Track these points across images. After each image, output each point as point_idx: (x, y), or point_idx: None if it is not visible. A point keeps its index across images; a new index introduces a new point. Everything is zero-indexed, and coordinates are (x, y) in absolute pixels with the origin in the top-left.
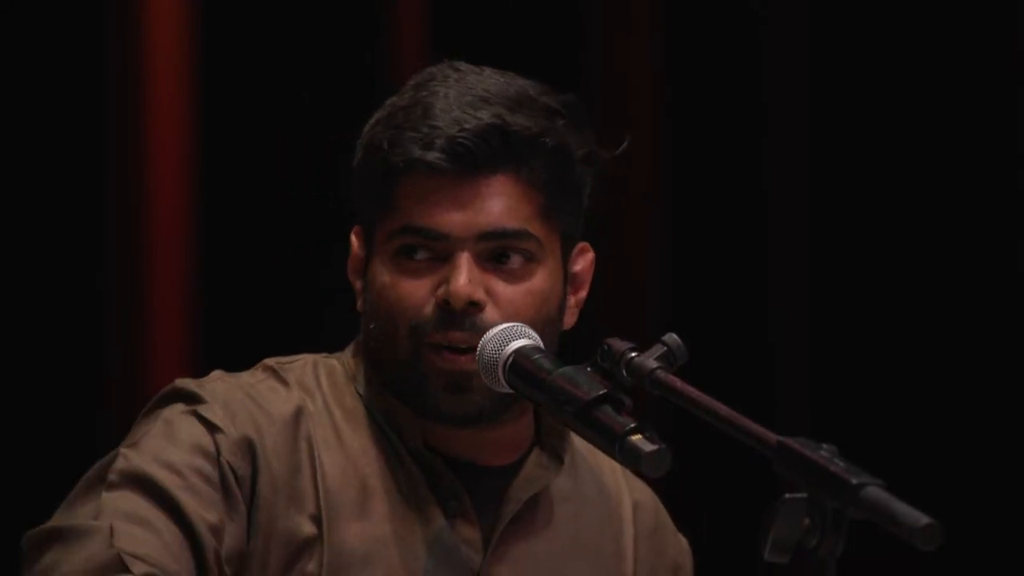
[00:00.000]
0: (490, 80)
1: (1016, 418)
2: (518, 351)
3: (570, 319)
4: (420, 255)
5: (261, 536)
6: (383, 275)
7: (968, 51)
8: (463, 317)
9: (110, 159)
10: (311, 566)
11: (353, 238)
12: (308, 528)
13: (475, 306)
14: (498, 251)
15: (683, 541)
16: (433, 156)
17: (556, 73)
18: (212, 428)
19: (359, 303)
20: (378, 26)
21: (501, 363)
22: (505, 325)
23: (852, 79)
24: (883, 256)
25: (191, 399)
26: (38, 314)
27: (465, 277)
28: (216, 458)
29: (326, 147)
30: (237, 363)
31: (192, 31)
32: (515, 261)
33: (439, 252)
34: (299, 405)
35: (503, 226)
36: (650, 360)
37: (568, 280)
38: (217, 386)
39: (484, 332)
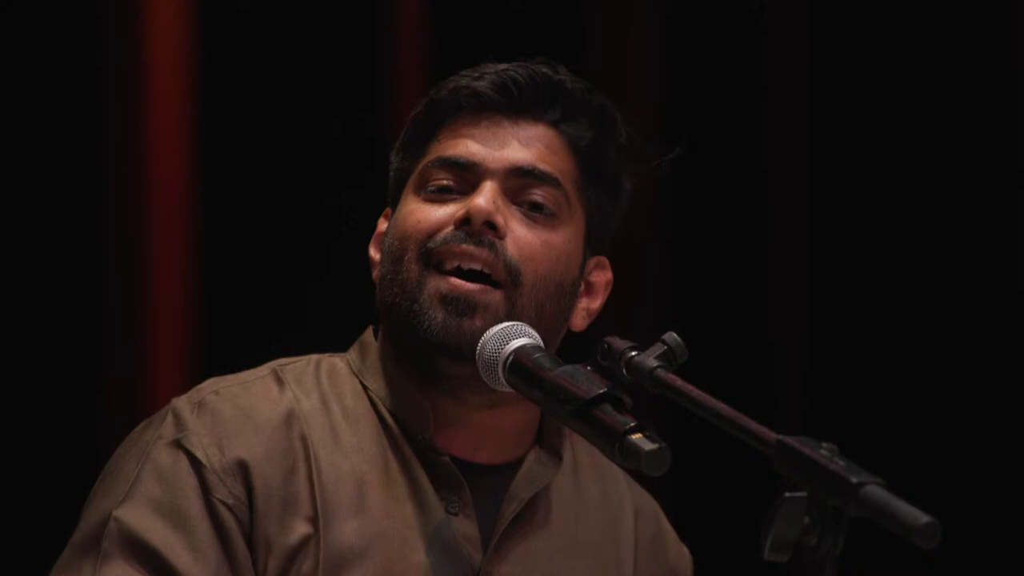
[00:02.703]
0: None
1: (1016, 418)
2: (518, 350)
3: (580, 322)
4: (449, 192)
5: (261, 548)
6: (408, 205)
7: (968, 51)
8: (478, 237)
9: (110, 159)
10: (307, 566)
11: (381, 219)
12: (304, 529)
13: (493, 230)
14: (524, 191)
15: (685, 551)
16: (481, 85)
17: None
18: (199, 464)
19: (375, 272)
20: (378, 26)
21: (501, 362)
22: (505, 324)
23: (852, 79)
24: (883, 256)
25: (179, 426)
26: (38, 314)
27: (488, 197)
28: (206, 497)
29: (326, 147)
30: (237, 363)
31: (192, 30)
32: (539, 209)
33: (467, 184)
34: (290, 407)
35: (535, 165)
36: (650, 359)
37: (584, 278)
38: (208, 400)
39: (501, 258)
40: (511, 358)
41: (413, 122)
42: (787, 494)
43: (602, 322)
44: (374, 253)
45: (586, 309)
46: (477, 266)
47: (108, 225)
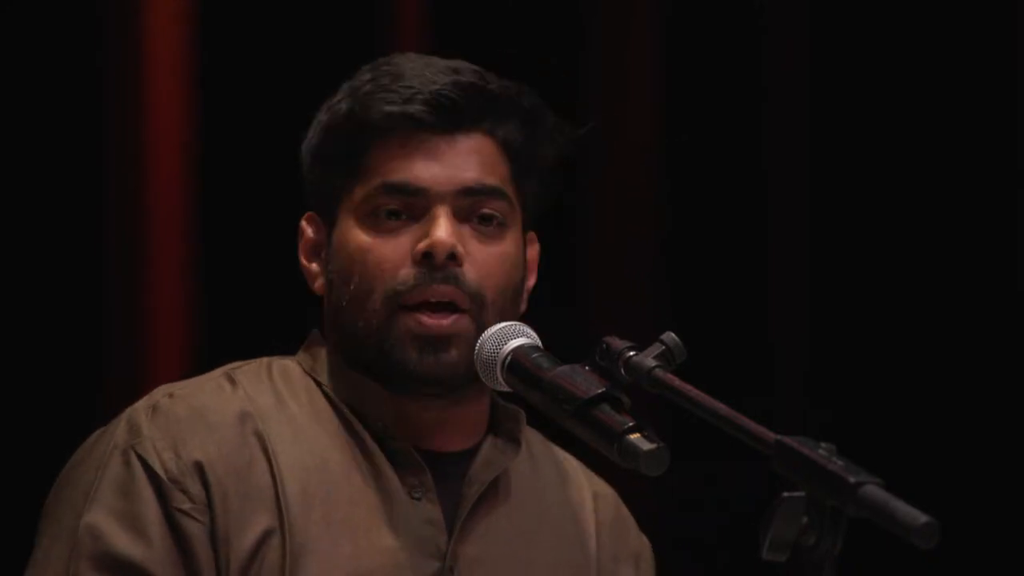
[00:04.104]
0: (449, 60)
1: (1016, 417)
2: (516, 350)
3: (524, 306)
4: (396, 217)
5: (223, 544)
6: (357, 237)
7: (968, 50)
8: (443, 271)
9: (110, 159)
10: (272, 556)
11: (304, 224)
12: (267, 523)
13: (454, 259)
14: (475, 208)
15: (645, 539)
16: (415, 108)
17: (556, 73)
18: (153, 473)
19: (316, 284)
20: (378, 26)
21: (499, 362)
22: (503, 324)
23: (852, 79)
24: (883, 256)
25: (132, 432)
26: (38, 313)
27: (447, 229)
28: (164, 507)
29: None
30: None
31: (191, 31)
32: (488, 220)
33: (416, 209)
34: (243, 406)
35: (482, 182)
36: (649, 359)
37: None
38: (162, 404)
39: (464, 288)
40: (509, 358)
41: (333, 134)
42: (785, 494)
43: (600, 322)
44: (308, 263)
45: (527, 291)
46: (447, 299)
47: (108, 225)
